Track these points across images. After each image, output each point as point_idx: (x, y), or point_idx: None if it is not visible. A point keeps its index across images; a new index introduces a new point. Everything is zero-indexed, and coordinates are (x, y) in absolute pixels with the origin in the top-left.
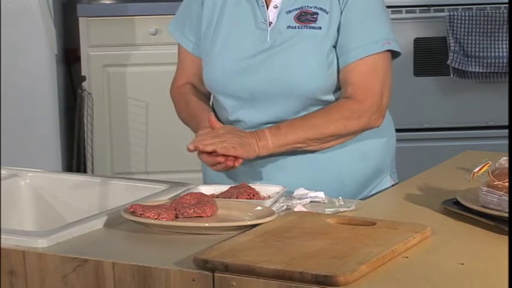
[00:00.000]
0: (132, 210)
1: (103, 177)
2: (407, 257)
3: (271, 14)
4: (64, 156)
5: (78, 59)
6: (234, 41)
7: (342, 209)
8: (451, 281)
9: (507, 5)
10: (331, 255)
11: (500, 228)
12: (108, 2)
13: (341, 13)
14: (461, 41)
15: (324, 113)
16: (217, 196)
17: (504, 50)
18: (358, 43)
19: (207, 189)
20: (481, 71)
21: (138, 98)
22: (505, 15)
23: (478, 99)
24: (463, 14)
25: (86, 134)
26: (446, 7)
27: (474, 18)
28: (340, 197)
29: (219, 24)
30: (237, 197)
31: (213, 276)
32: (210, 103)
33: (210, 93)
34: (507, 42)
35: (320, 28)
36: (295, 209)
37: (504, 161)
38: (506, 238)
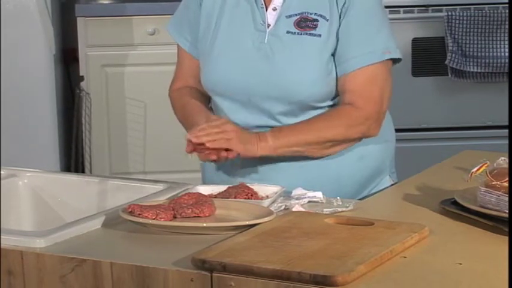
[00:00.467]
0: (130, 210)
1: (101, 177)
2: (405, 257)
3: (270, 16)
4: (62, 156)
5: (76, 59)
6: (233, 42)
7: (340, 209)
8: (449, 281)
9: (505, 5)
10: (329, 255)
11: (499, 228)
12: (107, 2)
13: (340, 21)
14: (459, 41)
15: (325, 118)
16: (216, 196)
17: (502, 50)
18: (357, 52)
19: (205, 189)
20: (479, 71)
21: (136, 98)
22: (503, 15)
23: (476, 99)
24: (461, 14)
25: (84, 134)
26: (444, 7)
27: (472, 19)
28: (338, 197)
29: (218, 25)
30: (235, 197)
31: (211, 276)
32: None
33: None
34: (505, 42)
35: (320, 36)
36: (294, 209)
37: (502, 161)
38: (504, 238)
